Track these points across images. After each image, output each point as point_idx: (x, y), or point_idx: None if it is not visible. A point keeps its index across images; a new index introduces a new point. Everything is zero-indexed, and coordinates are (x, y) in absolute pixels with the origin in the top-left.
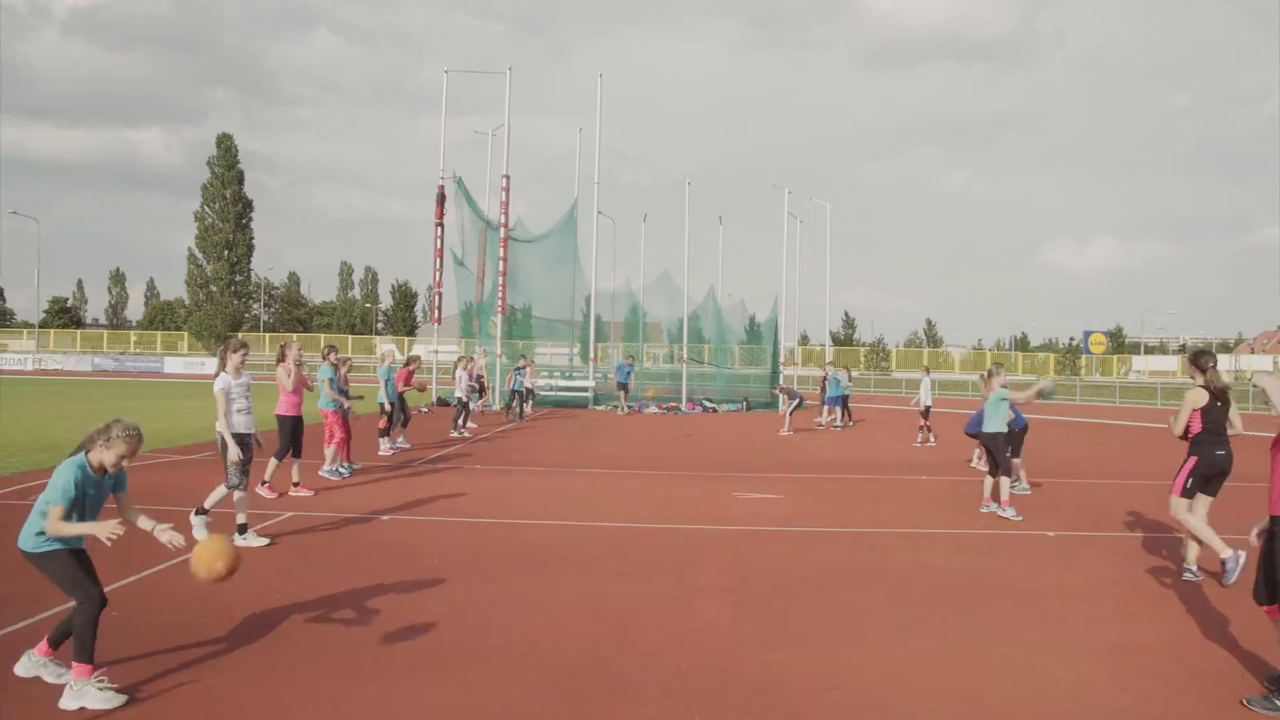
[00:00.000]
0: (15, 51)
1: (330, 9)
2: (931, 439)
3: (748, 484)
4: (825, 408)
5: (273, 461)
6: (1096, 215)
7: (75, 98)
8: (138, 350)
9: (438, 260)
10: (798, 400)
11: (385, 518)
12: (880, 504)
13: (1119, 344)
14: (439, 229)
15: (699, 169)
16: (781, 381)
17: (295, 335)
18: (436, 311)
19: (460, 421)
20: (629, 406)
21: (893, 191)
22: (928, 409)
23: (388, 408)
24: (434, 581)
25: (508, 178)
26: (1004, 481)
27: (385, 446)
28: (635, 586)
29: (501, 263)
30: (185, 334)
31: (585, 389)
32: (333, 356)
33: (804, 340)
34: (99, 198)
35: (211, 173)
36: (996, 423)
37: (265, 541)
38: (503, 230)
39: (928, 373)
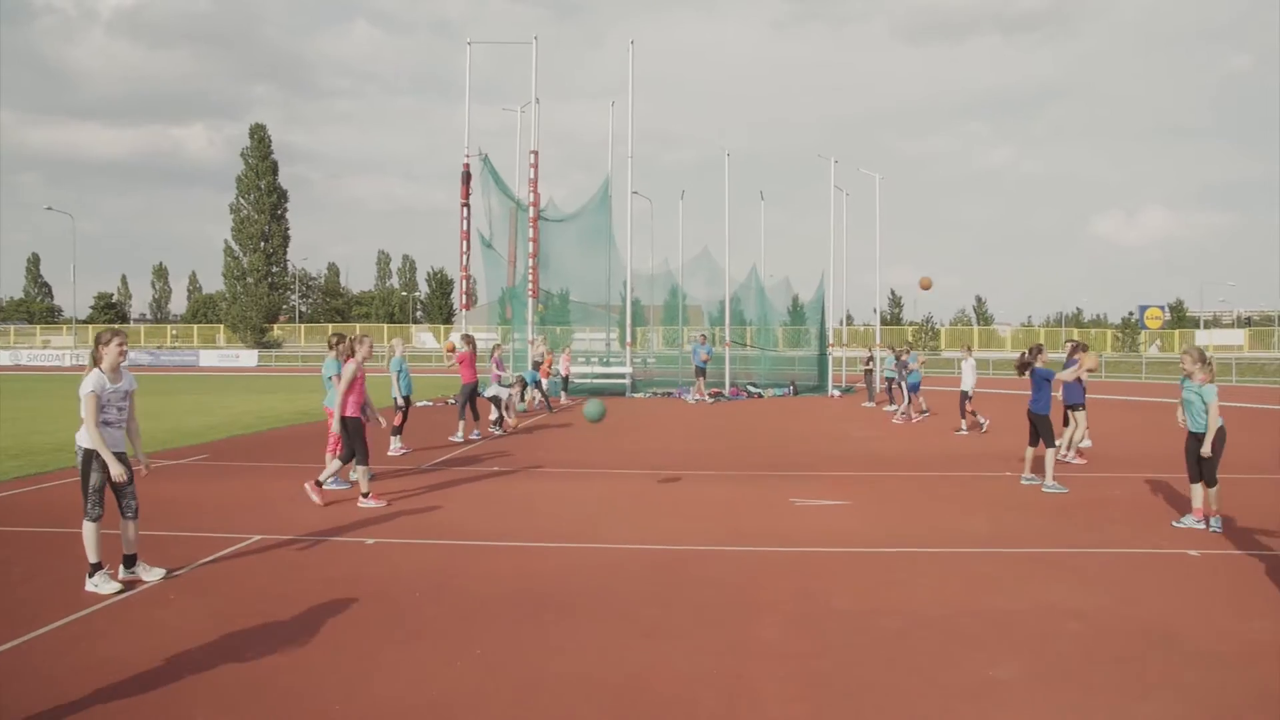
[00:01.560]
0: (64, 54)
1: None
2: (983, 421)
3: (805, 486)
4: (910, 396)
5: (359, 468)
6: (1146, 187)
7: (120, 97)
8: (175, 344)
9: (464, 243)
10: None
11: (369, 541)
12: (967, 512)
13: (1179, 317)
14: (465, 210)
15: (738, 148)
16: (900, 366)
17: (331, 326)
18: (464, 297)
19: (496, 418)
20: (705, 396)
21: (935, 168)
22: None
23: (400, 403)
24: (400, 643)
25: (535, 153)
26: (1210, 491)
27: (395, 446)
28: (671, 650)
29: (531, 244)
30: (221, 327)
31: (622, 375)
32: (341, 346)
33: (848, 320)
34: (145, 195)
35: (245, 164)
36: (1210, 419)
37: (160, 574)
38: (532, 209)
39: (970, 353)
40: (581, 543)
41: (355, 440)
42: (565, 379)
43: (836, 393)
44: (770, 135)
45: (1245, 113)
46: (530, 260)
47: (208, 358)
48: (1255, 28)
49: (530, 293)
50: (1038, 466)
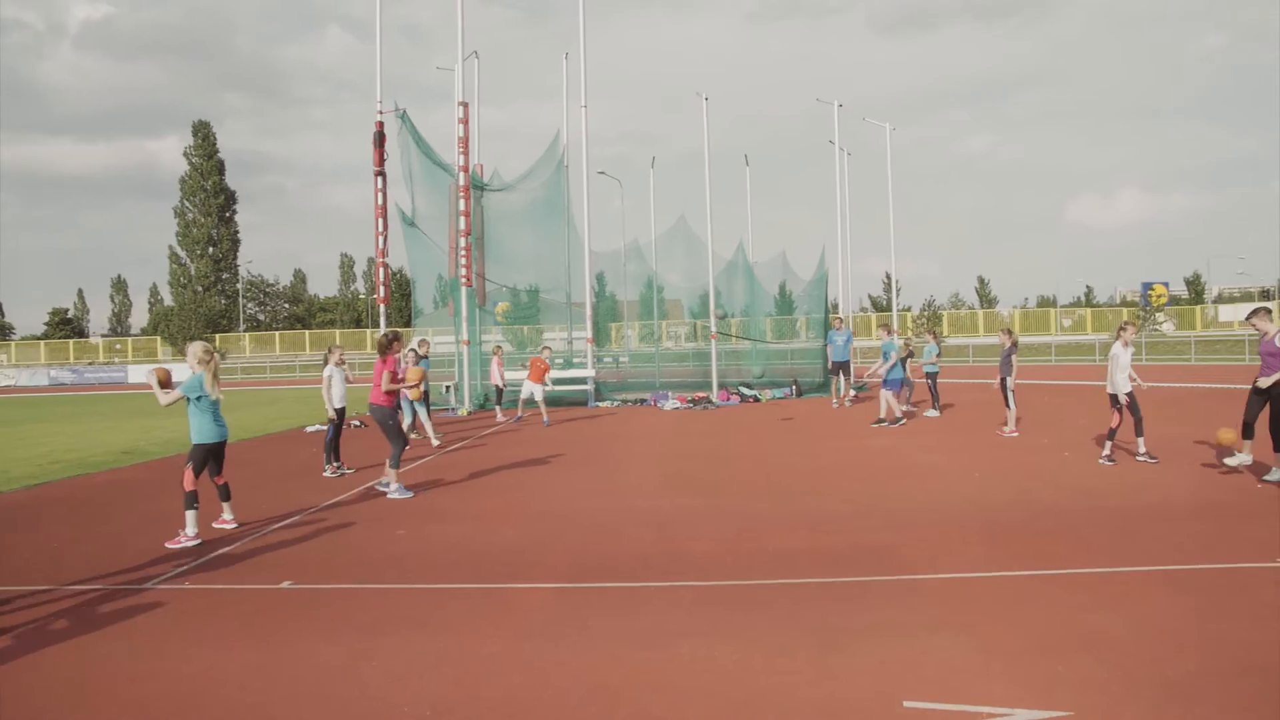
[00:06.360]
0: (33, 69)
1: (338, 6)
2: (1142, 447)
3: (898, 613)
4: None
5: None
6: (1124, 169)
7: (92, 112)
8: (113, 359)
9: (379, 221)
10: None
11: None
12: None
13: (1197, 293)
14: (379, 179)
15: (716, 142)
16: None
17: (278, 334)
18: (382, 289)
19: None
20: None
21: (913, 157)
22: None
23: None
24: None
25: (465, 105)
26: None
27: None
28: None
29: (463, 219)
30: (158, 339)
31: (583, 381)
32: None
33: (834, 309)
34: (121, 209)
35: (189, 164)
36: None
37: None
38: (461, 176)
39: (1131, 333)
40: None
41: None
42: (499, 390)
43: (852, 392)
44: (749, 130)
45: (1220, 92)
46: (463, 239)
47: (137, 374)
48: (1228, 6)
49: (464, 279)
50: None
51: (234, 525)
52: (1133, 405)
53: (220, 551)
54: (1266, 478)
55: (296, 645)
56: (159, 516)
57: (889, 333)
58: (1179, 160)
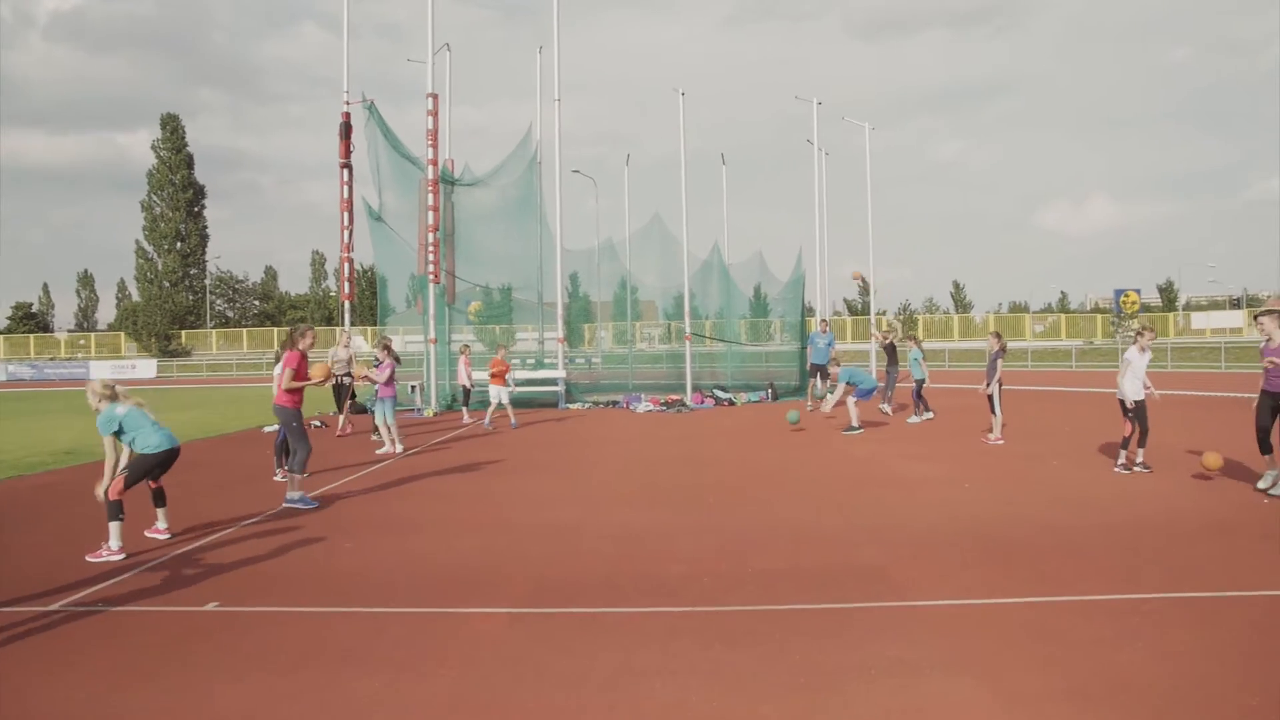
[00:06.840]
0: (2, 60)
1: (315, 3)
2: (1140, 457)
3: (898, 647)
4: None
5: None
6: (1100, 176)
7: (62, 104)
8: (76, 354)
9: (345, 215)
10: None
11: None
12: None
13: (1170, 299)
14: (345, 172)
15: (692, 146)
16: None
17: (245, 331)
18: (347, 284)
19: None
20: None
21: (887, 162)
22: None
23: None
24: None
25: (435, 97)
26: None
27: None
28: None
29: (431, 214)
30: (122, 335)
31: (554, 382)
32: None
33: (809, 312)
34: (90, 203)
35: (157, 157)
36: None
37: None
38: (430, 169)
39: (1148, 338)
40: None
41: None
42: (466, 390)
43: (829, 396)
44: (724, 134)
45: (1190, 102)
46: (431, 235)
47: (99, 370)
48: (1198, 18)
49: (432, 276)
50: None
51: (167, 536)
52: (1139, 413)
53: (146, 566)
54: (1272, 491)
55: (206, 683)
56: (88, 525)
57: (838, 364)
58: (1150, 168)
